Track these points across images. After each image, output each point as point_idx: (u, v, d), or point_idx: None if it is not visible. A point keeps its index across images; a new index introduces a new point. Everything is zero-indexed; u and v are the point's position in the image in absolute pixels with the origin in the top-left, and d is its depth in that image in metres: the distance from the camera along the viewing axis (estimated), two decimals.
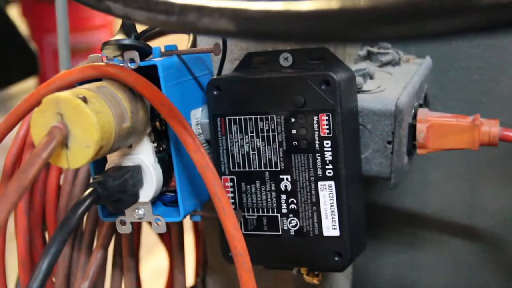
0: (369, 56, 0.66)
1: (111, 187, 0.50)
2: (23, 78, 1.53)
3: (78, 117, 0.46)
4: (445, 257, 0.78)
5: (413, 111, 0.58)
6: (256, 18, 0.33)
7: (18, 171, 0.43)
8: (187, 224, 0.72)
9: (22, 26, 2.54)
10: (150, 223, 0.76)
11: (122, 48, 0.52)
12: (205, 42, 0.62)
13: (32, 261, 0.66)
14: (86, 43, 2.90)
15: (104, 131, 0.46)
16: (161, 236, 0.81)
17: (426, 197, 0.78)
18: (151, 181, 0.53)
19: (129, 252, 0.64)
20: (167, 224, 0.58)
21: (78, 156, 0.46)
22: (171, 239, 0.66)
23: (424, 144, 0.57)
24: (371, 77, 0.60)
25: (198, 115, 0.57)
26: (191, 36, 0.65)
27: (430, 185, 0.77)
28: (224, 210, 0.50)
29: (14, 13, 2.62)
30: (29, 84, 3.19)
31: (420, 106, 0.61)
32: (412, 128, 0.57)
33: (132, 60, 0.52)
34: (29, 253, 0.64)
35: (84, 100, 0.46)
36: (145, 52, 0.53)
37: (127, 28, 0.53)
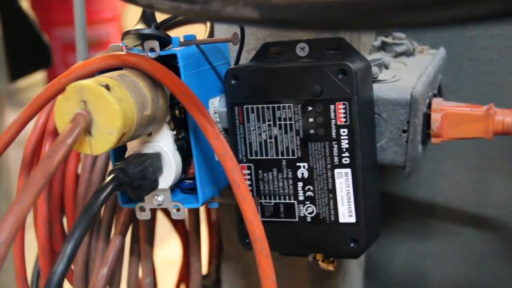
0: (383, 47, 0.66)
1: (132, 174, 0.51)
2: (35, 71, 1.54)
3: (101, 104, 0.47)
4: (457, 247, 0.79)
5: (428, 100, 0.59)
6: (280, 6, 0.34)
7: (43, 157, 0.44)
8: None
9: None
10: (164, 211, 0.78)
11: (143, 37, 0.53)
12: (222, 32, 0.63)
13: (52, 248, 0.68)
14: (95, 36, 2.92)
15: (126, 118, 0.47)
16: (174, 224, 0.82)
17: (438, 186, 0.78)
18: (171, 168, 0.54)
19: (146, 239, 0.65)
20: None
21: (101, 142, 0.47)
22: (188, 226, 0.67)
23: (438, 133, 0.58)
24: (386, 67, 0.61)
25: (216, 104, 0.58)
26: (208, 26, 0.66)
27: (442, 175, 0.78)
28: (243, 196, 0.51)
29: (24, 6, 2.63)
30: (37, 78, 3.21)
31: (434, 96, 0.62)
32: (427, 117, 0.58)
33: (152, 50, 0.53)
34: (49, 240, 0.65)
35: (107, 87, 0.47)
36: (164, 42, 0.54)
37: (147, 18, 0.54)
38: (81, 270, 0.65)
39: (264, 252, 0.51)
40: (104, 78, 0.49)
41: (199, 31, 0.63)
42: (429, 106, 0.59)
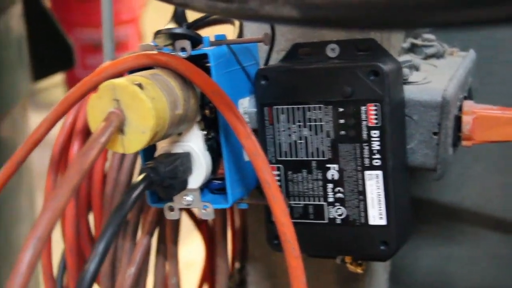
0: (412, 49, 0.66)
1: (163, 173, 0.51)
2: (59, 71, 1.54)
3: (134, 103, 0.47)
4: (483, 251, 0.79)
5: (459, 103, 0.58)
6: (321, 5, 0.34)
7: (77, 155, 0.44)
8: None
9: None
10: (187, 211, 0.78)
11: (174, 37, 0.53)
12: (252, 32, 0.63)
13: (78, 246, 0.68)
14: (114, 37, 2.93)
15: (159, 117, 0.48)
16: (198, 225, 0.82)
17: (465, 190, 0.78)
18: (201, 168, 0.54)
19: (173, 239, 0.65)
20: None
21: (134, 141, 0.48)
22: (215, 227, 0.67)
23: (469, 136, 0.58)
24: (417, 69, 0.60)
25: (246, 105, 0.58)
26: (237, 26, 0.66)
27: (469, 179, 0.77)
28: (274, 196, 0.50)
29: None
30: (56, 79, 3.22)
31: (465, 98, 0.61)
32: (458, 120, 0.58)
33: (183, 49, 0.53)
34: (76, 238, 0.65)
35: (140, 86, 0.47)
36: (195, 41, 0.54)
37: (178, 17, 0.54)
38: (107, 269, 0.66)
39: (295, 253, 0.51)
40: (137, 77, 0.49)
41: (227, 31, 0.63)
42: (460, 108, 0.58)
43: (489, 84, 0.73)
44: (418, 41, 0.65)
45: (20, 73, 1.26)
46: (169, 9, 0.61)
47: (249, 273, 0.73)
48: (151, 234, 0.63)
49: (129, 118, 0.47)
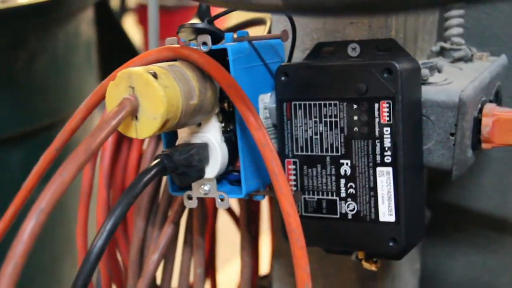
0: (441, 52, 0.66)
1: (177, 161, 0.54)
2: None
3: (148, 90, 0.49)
4: None
5: (480, 105, 0.58)
6: None
7: (88, 136, 0.47)
8: None
9: (138, 33, 2.66)
10: (232, 217, 0.80)
11: (196, 31, 0.56)
12: (277, 30, 0.64)
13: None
14: None
15: (170, 104, 0.50)
16: (237, 223, 0.83)
17: (501, 199, 0.77)
18: (217, 158, 0.56)
19: (199, 230, 0.67)
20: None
21: (146, 127, 0.50)
22: (240, 221, 0.69)
23: (489, 138, 0.57)
24: (439, 71, 0.61)
25: (267, 100, 0.60)
26: (267, 27, 0.68)
27: (505, 188, 0.76)
28: (281, 188, 0.52)
29: (130, 21, 2.75)
30: None
31: (490, 102, 0.61)
32: (478, 122, 0.58)
33: (204, 43, 0.55)
34: None
35: (154, 75, 0.50)
36: (217, 37, 0.56)
37: (202, 13, 0.57)
38: (136, 255, 0.68)
39: (299, 243, 0.52)
40: (154, 66, 0.52)
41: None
42: (481, 111, 0.58)
43: None
44: (447, 45, 0.65)
45: (88, 76, 1.32)
46: None
47: (274, 269, 0.74)
48: (176, 223, 0.65)
49: (142, 104, 0.50)
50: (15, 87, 1.15)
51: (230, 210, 0.89)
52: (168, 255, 0.68)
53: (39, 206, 0.43)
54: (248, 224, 0.69)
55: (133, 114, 0.50)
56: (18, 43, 1.10)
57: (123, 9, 2.53)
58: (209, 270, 0.88)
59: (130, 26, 2.62)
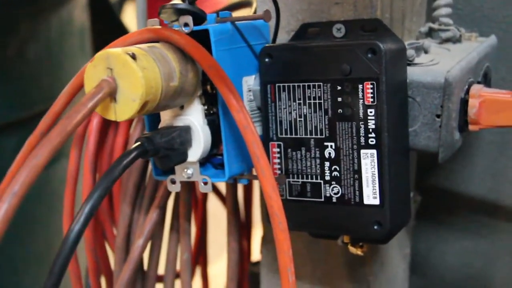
0: (430, 33, 0.65)
1: (158, 143, 0.53)
2: None
3: (126, 72, 0.49)
4: (510, 245, 0.76)
5: (467, 86, 0.57)
6: None
7: (63, 117, 0.46)
8: None
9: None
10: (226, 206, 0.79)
11: (177, 12, 0.55)
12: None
13: (97, 218, 0.71)
14: None
15: (149, 86, 0.49)
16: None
17: (493, 184, 0.76)
18: (199, 141, 0.56)
19: (185, 215, 0.66)
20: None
21: (124, 109, 0.49)
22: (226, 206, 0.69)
23: (476, 120, 0.56)
24: (426, 51, 0.60)
25: (251, 82, 0.59)
26: (253, 9, 0.67)
27: (497, 172, 0.75)
28: (263, 170, 0.51)
29: (131, 9, 2.73)
30: None
31: (478, 83, 0.60)
32: (465, 103, 0.57)
33: (186, 25, 0.54)
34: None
35: (133, 56, 0.49)
36: (200, 18, 0.55)
37: None
38: (122, 241, 0.68)
39: (281, 227, 0.51)
40: (133, 48, 0.51)
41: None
42: (468, 92, 0.57)
43: None
44: (435, 25, 0.64)
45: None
46: None
47: (263, 255, 0.74)
48: (161, 208, 0.65)
49: (120, 86, 0.49)
50: (8, 74, 1.14)
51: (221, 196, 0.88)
52: (154, 241, 0.67)
53: (12, 190, 0.42)
54: (234, 209, 0.68)
55: (112, 95, 0.49)
56: (9, 30, 1.09)
57: None
58: (200, 257, 0.88)
59: (130, 14, 2.60)
